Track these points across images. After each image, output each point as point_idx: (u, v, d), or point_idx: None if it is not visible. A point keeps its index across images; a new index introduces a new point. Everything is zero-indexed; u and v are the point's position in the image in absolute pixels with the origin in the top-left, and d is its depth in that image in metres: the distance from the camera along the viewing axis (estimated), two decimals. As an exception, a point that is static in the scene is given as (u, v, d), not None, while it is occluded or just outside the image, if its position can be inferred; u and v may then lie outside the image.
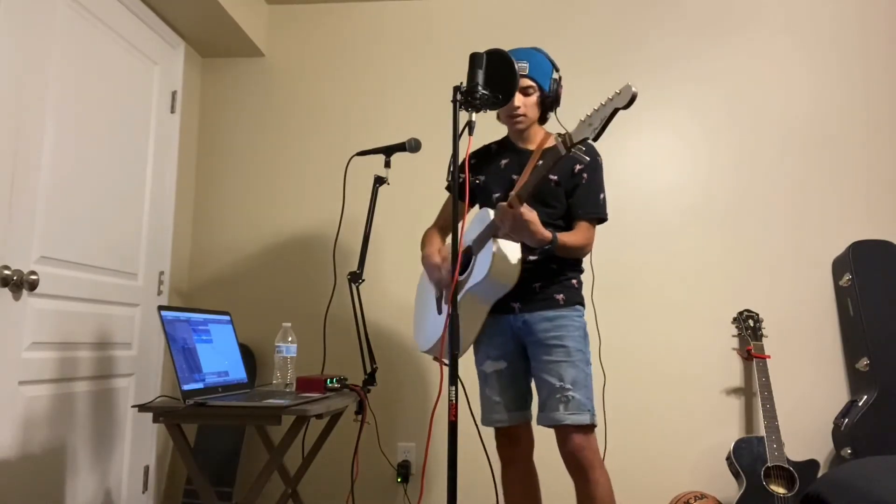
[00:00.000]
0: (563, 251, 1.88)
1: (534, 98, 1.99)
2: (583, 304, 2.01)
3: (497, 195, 2.04)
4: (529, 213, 1.74)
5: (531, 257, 1.95)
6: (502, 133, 2.17)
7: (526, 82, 1.96)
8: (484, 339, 2.03)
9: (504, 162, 2.06)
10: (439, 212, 2.28)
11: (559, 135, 1.65)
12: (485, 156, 2.14)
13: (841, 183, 2.83)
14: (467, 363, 2.18)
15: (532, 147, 2.04)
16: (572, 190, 1.99)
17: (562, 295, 1.96)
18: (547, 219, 1.95)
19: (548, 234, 1.79)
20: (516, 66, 1.94)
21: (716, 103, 2.93)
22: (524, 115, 1.99)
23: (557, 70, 2.03)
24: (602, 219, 2.02)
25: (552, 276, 1.97)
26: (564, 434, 1.87)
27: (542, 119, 2.07)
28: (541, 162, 1.70)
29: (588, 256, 2.03)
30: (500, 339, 2.01)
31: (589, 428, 1.87)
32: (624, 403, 2.77)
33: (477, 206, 2.14)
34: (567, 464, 1.89)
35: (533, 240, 1.79)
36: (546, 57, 2.01)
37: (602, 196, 2.01)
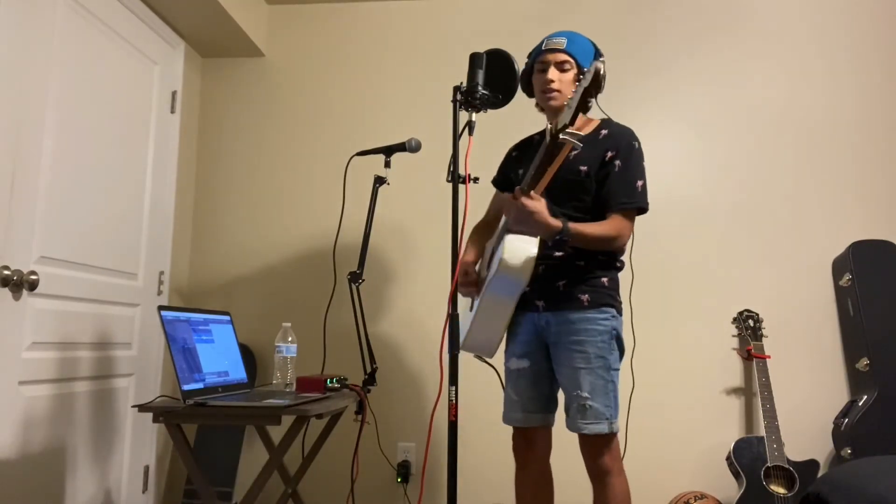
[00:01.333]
0: (581, 242, 1.78)
1: (570, 75, 1.88)
2: (613, 306, 1.89)
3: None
4: (534, 203, 1.67)
5: (556, 254, 1.87)
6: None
7: (562, 57, 1.87)
8: (511, 336, 1.99)
9: None
10: (489, 205, 2.22)
11: (549, 124, 1.60)
12: (525, 148, 2.08)
13: (841, 183, 2.83)
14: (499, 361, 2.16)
15: None
16: (604, 179, 1.87)
17: (587, 296, 1.86)
18: (575, 213, 1.88)
19: (556, 223, 1.70)
20: (552, 42, 1.89)
21: (715, 103, 2.93)
22: (558, 91, 1.88)
23: (601, 56, 1.93)
24: (641, 208, 1.88)
25: (578, 275, 1.88)
26: (584, 440, 1.85)
27: (583, 106, 1.96)
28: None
29: (629, 254, 1.96)
30: (525, 337, 1.95)
31: (608, 436, 1.83)
32: (624, 403, 2.76)
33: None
34: (587, 467, 1.88)
35: (541, 230, 1.70)
36: (591, 41, 1.93)
37: (640, 183, 1.87)
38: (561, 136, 1.56)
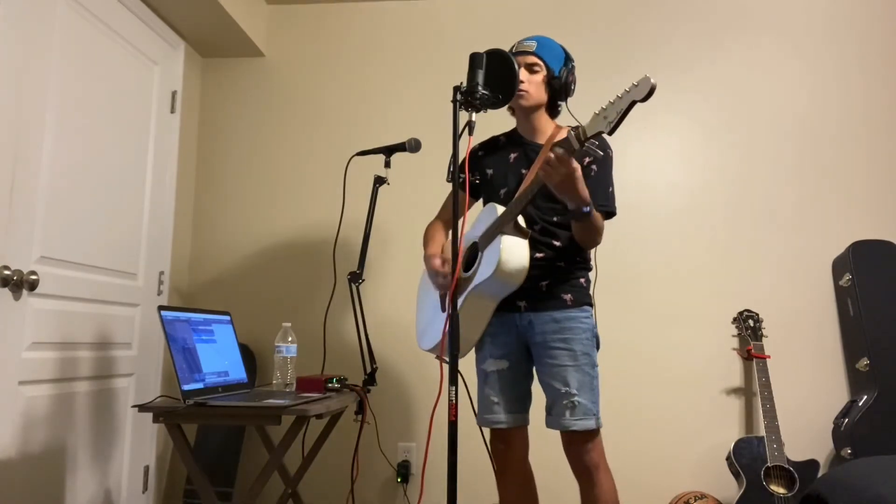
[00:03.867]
0: (590, 225, 1.79)
1: (539, 77, 1.93)
2: (591, 305, 1.96)
3: (504, 190, 1.99)
4: (578, 168, 1.65)
5: (538, 255, 1.90)
6: (502, 130, 2.16)
7: (531, 59, 1.93)
8: (488, 337, 1.99)
9: (513, 156, 2.01)
10: (442, 205, 2.22)
11: (573, 128, 1.60)
12: (492, 148, 2.09)
13: (841, 183, 2.83)
14: (470, 362, 2.17)
15: (541, 141, 1.98)
16: None
17: (570, 295, 1.91)
18: (555, 216, 1.92)
19: (587, 194, 1.71)
20: (523, 45, 1.95)
21: (715, 103, 2.93)
22: (527, 92, 1.92)
23: (571, 61, 1.98)
24: (611, 212, 1.93)
25: (560, 275, 1.92)
26: (569, 437, 1.86)
27: (553, 109, 2.01)
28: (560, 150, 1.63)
29: (594, 253, 2.01)
30: (504, 338, 1.97)
31: (595, 431, 1.85)
32: (624, 403, 2.77)
33: (481, 201, 2.11)
34: (572, 465, 1.88)
35: (576, 197, 1.68)
36: (561, 46, 1.98)
37: (611, 189, 1.94)
38: (586, 145, 1.58)
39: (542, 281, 1.92)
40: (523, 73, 1.92)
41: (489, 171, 2.05)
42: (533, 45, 1.94)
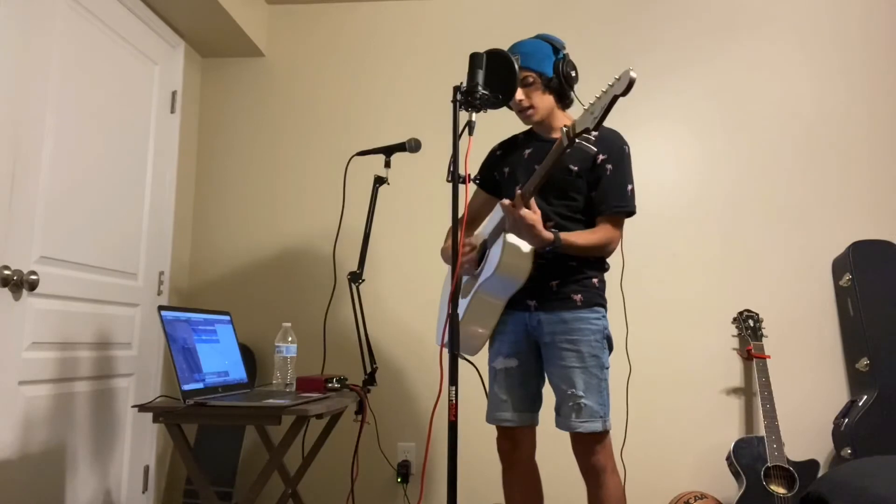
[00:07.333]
0: (572, 251, 1.83)
1: (535, 87, 1.92)
2: (602, 306, 1.93)
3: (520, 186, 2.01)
4: (531, 216, 1.70)
5: (547, 249, 1.88)
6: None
7: (521, 74, 1.90)
8: (498, 335, 1.99)
9: (528, 152, 2.01)
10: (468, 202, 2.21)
11: (564, 126, 1.62)
12: (510, 147, 2.10)
13: (841, 183, 2.83)
14: (483, 359, 2.15)
15: (556, 136, 1.97)
16: (595, 182, 1.91)
17: (580, 295, 1.89)
18: (567, 212, 1.91)
19: (548, 235, 1.75)
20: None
21: (716, 102, 2.93)
22: (531, 108, 1.92)
23: (562, 48, 1.94)
24: (630, 212, 1.92)
25: (570, 275, 1.90)
26: (578, 439, 1.86)
27: (563, 102, 1.99)
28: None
29: (620, 249, 1.99)
30: (514, 336, 1.96)
31: (602, 434, 1.84)
32: (623, 403, 2.76)
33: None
34: (580, 466, 1.88)
35: (534, 241, 1.75)
36: (543, 40, 1.94)
37: (629, 188, 1.91)
38: (577, 140, 1.59)
39: (552, 280, 1.90)
40: (520, 92, 1.91)
41: (506, 170, 2.06)
42: (517, 60, 1.89)
